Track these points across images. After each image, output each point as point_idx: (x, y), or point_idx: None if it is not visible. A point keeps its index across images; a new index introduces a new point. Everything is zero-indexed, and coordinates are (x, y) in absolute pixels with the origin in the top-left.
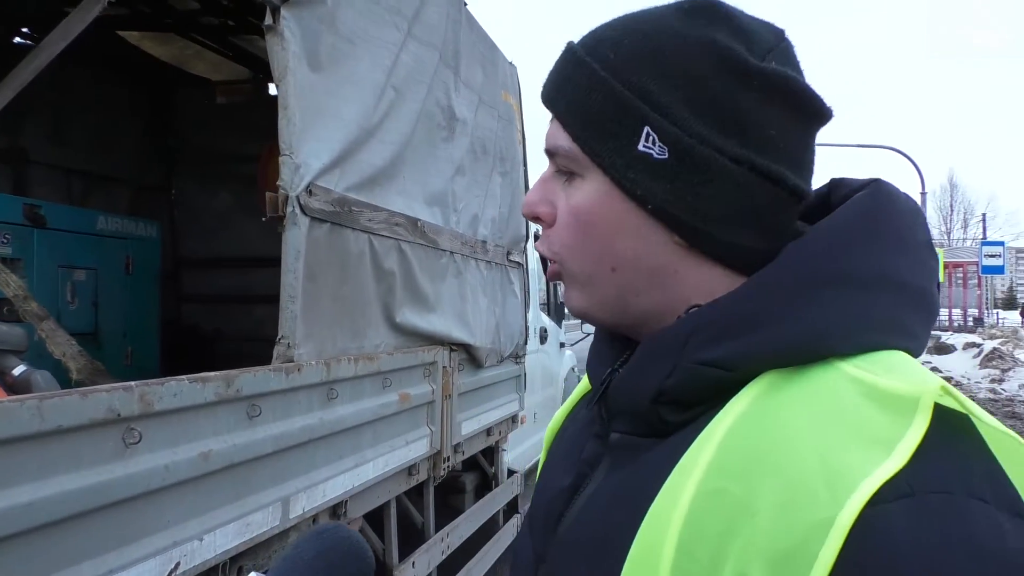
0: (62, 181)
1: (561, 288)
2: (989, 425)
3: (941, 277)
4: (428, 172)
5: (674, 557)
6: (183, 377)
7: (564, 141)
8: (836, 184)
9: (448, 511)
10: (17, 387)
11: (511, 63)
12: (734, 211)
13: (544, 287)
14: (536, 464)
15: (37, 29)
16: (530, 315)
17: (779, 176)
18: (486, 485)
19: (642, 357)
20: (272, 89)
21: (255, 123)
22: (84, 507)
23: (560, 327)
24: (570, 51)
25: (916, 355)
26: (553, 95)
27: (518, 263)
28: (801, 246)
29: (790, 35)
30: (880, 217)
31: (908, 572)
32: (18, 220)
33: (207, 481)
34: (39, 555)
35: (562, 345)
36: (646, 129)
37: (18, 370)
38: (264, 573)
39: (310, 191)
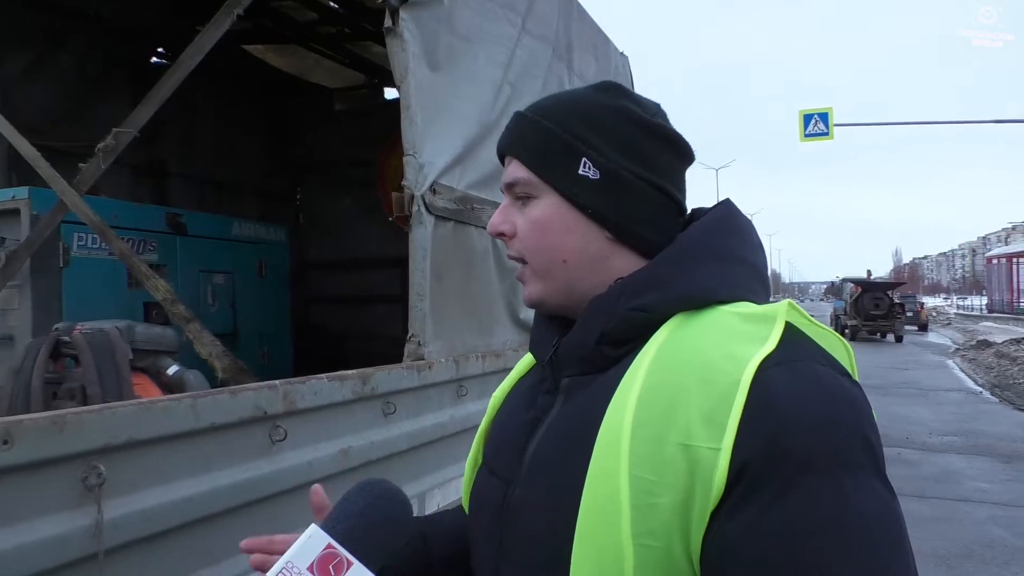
0: (197, 191)
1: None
2: (818, 327)
3: None
4: None
5: (631, 431)
6: (323, 376)
7: (523, 173)
8: (695, 210)
9: None
10: (171, 386)
11: (622, 53)
12: (643, 213)
13: None
14: None
15: (171, 48)
16: None
17: (668, 190)
18: None
19: (587, 315)
20: (387, 93)
21: (371, 128)
22: (236, 502)
23: None
24: (523, 116)
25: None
26: (513, 145)
27: None
28: (686, 237)
29: None
30: (731, 221)
31: (790, 403)
32: (162, 228)
33: (346, 478)
34: (195, 549)
35: None
36: (584, 160)
37: (172, 370)
38: (322, 525)
39: (434, 190)
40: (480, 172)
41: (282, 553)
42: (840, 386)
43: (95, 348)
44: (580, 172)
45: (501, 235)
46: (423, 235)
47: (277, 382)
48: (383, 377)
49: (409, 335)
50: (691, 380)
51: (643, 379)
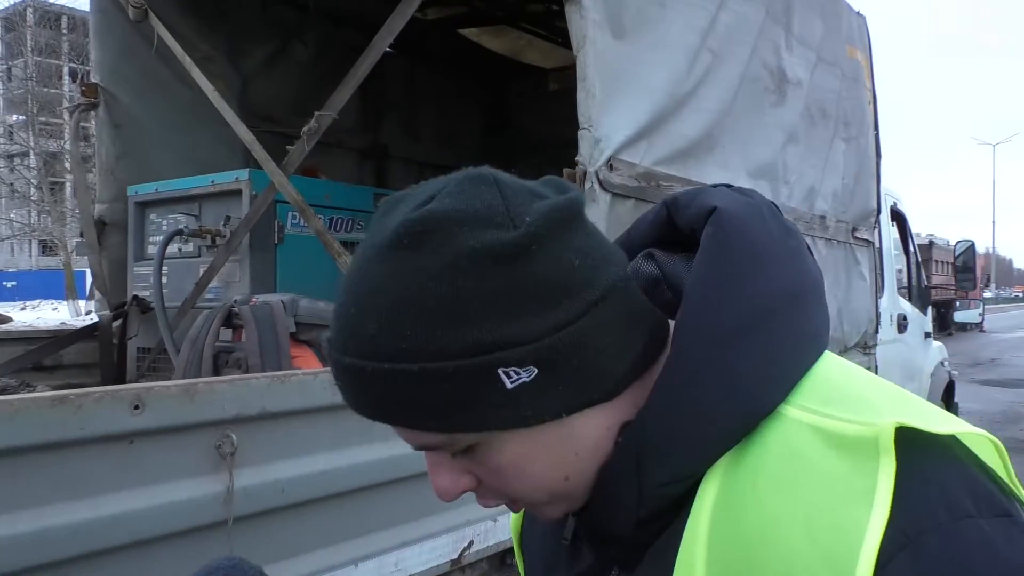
0: (415, 174)
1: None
2: (949, 432)
3: None
4: (753, 141)
5: None
6: None
7: (433, 440)
8: (672, 207)
9: None
10: None
11: (859, 13)
12: (610, 344)
13: (907, 269)
14: None
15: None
16: (883, 300)
17: (601, 297)
18: None
19: (605, 501)
20: None
21: None
22: (377, 479)
23: (925, 314)
24: (352, 370)
25: (825, 347)
26: (379, 412)
27: (866, 241)
28: (682, 333)
29: None
30: (732, 257)
31: None
32: (370, 208)
33: None
34: (339, 521)
35: (927, 335)
36: (499, 372)
37: None
38: None
39: (611, 166)
40: (671, 147)
41: None
42: (997, 560)
43: (258, 320)
44: (510, 387)
45: (457, 493)
46: (596, 214)
47: None
48: None
49: None
50: None
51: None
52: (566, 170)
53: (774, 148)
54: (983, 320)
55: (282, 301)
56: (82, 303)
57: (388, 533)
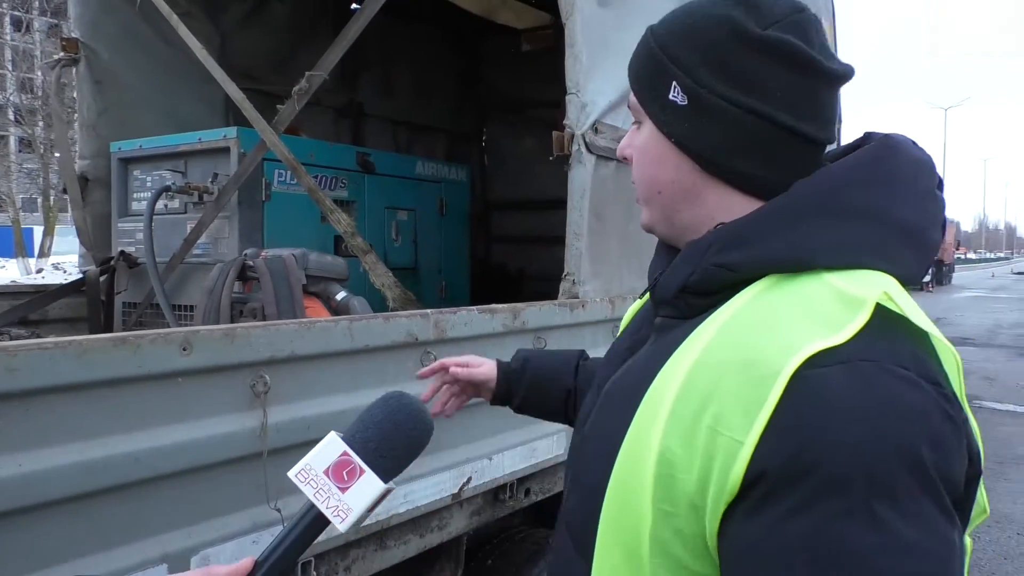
0: (390, 132)
1: None
2: (920, 326)
3: None
4: None
5: (672, 402)
6: (473, 308)
7: (632, 98)
8: (866, 136)
9: None
10: (339, 310)
11: None
12: (734, 144)
13: None
14: None
15: None
16: None
17: (775, 117)
18: None
19: (678, 262)
20: None
21: (557, 69)
22: None
23: None
24: (643, 35)
25: (905, 281)
26: (629, 66)
27: None
28: (807, 182)
29: None
30: (879, 164)
31: (828, 411)
32: (352, 167)
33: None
34: None
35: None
36: (673, 83)
37: (340, 295)
38: (341, 433)
39: (596, 129)
40: None
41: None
42: (904, 395)
43: (273, 273)
44: (670, 97)
45: (626, 159)
46: (582, 175)
47: (429, 311)
48: (534, 312)
49: (564, 273)
50: (742, 361)
51: (701, 350)
52: (555, 133)
53: None
54: (932, 281)
55: (293, 255)
56: (32, 261)
57: None
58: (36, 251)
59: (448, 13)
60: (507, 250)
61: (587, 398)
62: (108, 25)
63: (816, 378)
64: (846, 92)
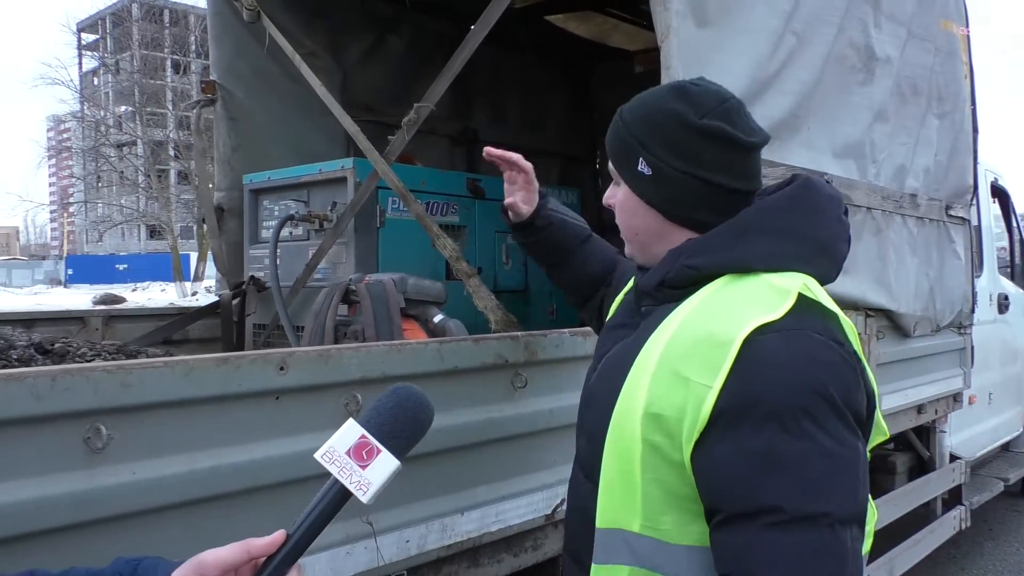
0: None
1: None
2: (830, 308)
3: None
4: (840, 121)
5: (658, 360)
6: (565, 330)
7: (610, 165)
8: (793, 176)
9: (874, 490)
10: (436, 332)
11: None
12: (687, 200)
13: (1009, 247)
14: (986, 454)
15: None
16: (981, 279)
17: (715, 181)
18: (921, 468)
19: (658, 265)
20: None
21: None
22: (479, 438)
23: None
24: (616, 115)
25: (821, 280)
26: (607, 141)
27: (961, 219)
28: (751, 210)
29: None
30: (801, 198)
31: (769, 364)
32: (463, 192)
33: None
34: (446, 474)
35: None
36: (640, 158)
37: (437, 318)
38: (358, 420)
39: None
40: None
41: None
42: (820, 352)
43: (373, 296)
44: (638, 169)
45: (611, 207)
46: None
47: (520, 334)
48: None
49: None
50: (707, 332)
51: (679, 322)
52: None
53: (861, 127)
54: None
55: (392, 279)
56: (188, 284)
57: (490, 487)
58: (191, 275)
59: (559, 38)
60: None
61: (589, 367)
62: (241, 67)
63: (760, 342)
64: (998, 103)
